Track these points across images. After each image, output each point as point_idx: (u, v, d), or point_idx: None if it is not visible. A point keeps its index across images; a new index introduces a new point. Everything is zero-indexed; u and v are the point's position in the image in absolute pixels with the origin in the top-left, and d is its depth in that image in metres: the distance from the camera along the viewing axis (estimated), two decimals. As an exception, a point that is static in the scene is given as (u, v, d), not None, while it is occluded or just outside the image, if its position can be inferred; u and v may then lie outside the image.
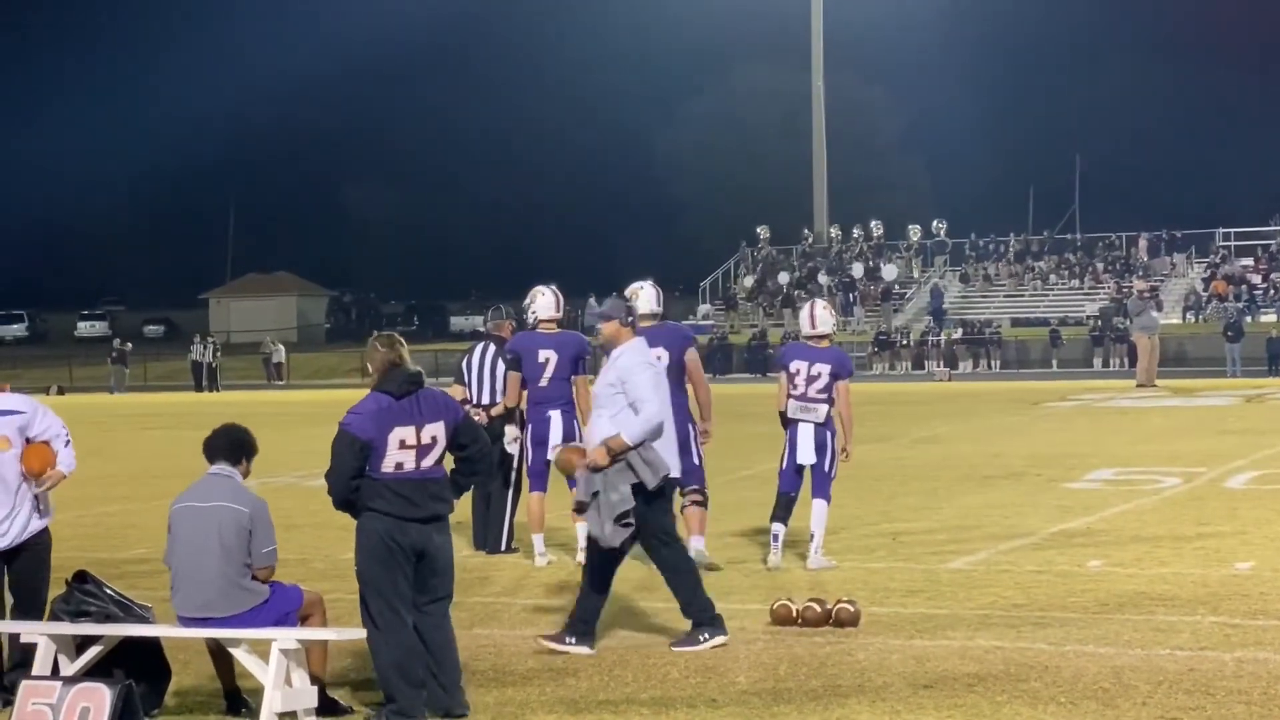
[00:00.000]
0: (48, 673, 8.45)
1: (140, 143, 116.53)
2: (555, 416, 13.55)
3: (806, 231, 76.08)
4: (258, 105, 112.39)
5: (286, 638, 8.27)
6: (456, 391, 14.29)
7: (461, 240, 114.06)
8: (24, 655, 8.78)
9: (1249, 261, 66.54)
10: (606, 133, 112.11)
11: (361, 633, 8.67)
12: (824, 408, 13.17)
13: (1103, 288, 66.55)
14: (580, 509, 10.25)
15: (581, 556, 13.59)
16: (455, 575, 8.80)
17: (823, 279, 70.59)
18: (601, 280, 74.42)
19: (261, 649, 8.36)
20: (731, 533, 14.94)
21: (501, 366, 14.54)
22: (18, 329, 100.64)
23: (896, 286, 70.12)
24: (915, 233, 73.37)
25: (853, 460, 13.62)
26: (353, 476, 8.46)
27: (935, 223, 73.70)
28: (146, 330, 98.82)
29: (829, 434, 13.18)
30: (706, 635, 10.12)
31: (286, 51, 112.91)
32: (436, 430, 8.53)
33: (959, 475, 20.16)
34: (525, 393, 13.80)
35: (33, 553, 9.13)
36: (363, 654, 9.64)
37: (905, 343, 62.63)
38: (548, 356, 13.54)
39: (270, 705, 8.16)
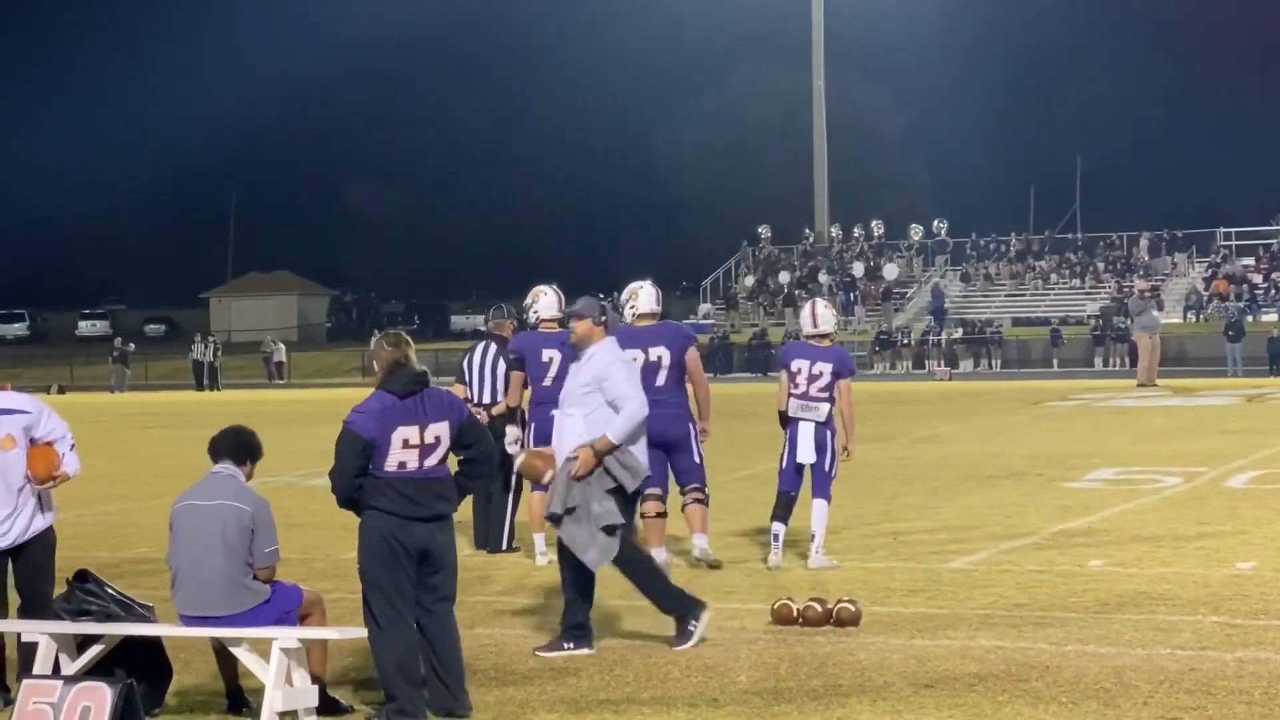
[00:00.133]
0: (49, 672, 8.45)
1: (141, 142, 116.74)
2: (558, 416, 13.53)
3: (807, 231, 76.09)
4: (259, 105, 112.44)
5: (287, 637, 8.26)
6: (458, 391, 14.29)
7: (462, 240, 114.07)
8: (28, 657, 8.77)
9: (1250, 261, 66.53)
10: (607, 132, 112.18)
11: (362, 632, 8.67)
12: (825, 407, 13.17)
13: (1103, 287, 66.55)
14: (553, 520, 10.13)
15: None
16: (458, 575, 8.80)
17: (823, 278, 70.60)
18: (602, 280, 74.59)
19: (262, 648, 8.36)
20: (732, 532, 14.94)
21: (502, 366, 14.54)
22: (19, 328, 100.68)
23: (896, 286, 70.11)
24: (916, 232, 73.38)
25: (854, 460, 13.62)
26: (355, 475, 8.46)
27: (936, 222, 73.70)
28: (147, 329, 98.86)
29: (829, 433, 13.18)
30: (694, 623, 10.10)
31: (287, 51, 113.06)
32: (441, 430, 8.52)
33: (960, 475, 20.16)
34: (527, 392, 13.81)
35: (37, 552, 9.13)
36: (363, 653, 9.64)
37: (906, 342, 62.63)
38: (551, 356, 13.54)
39: (271, 704, 8.16)
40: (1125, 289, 61.15)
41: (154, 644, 8.74)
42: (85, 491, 16.90)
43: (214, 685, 9.07)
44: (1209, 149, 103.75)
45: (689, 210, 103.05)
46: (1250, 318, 58.30)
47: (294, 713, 8.29)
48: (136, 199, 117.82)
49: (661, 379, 13.18)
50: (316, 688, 8.42)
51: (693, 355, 13.42)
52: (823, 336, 13.40)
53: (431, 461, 8.51)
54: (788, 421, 13.25)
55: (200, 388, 61.95)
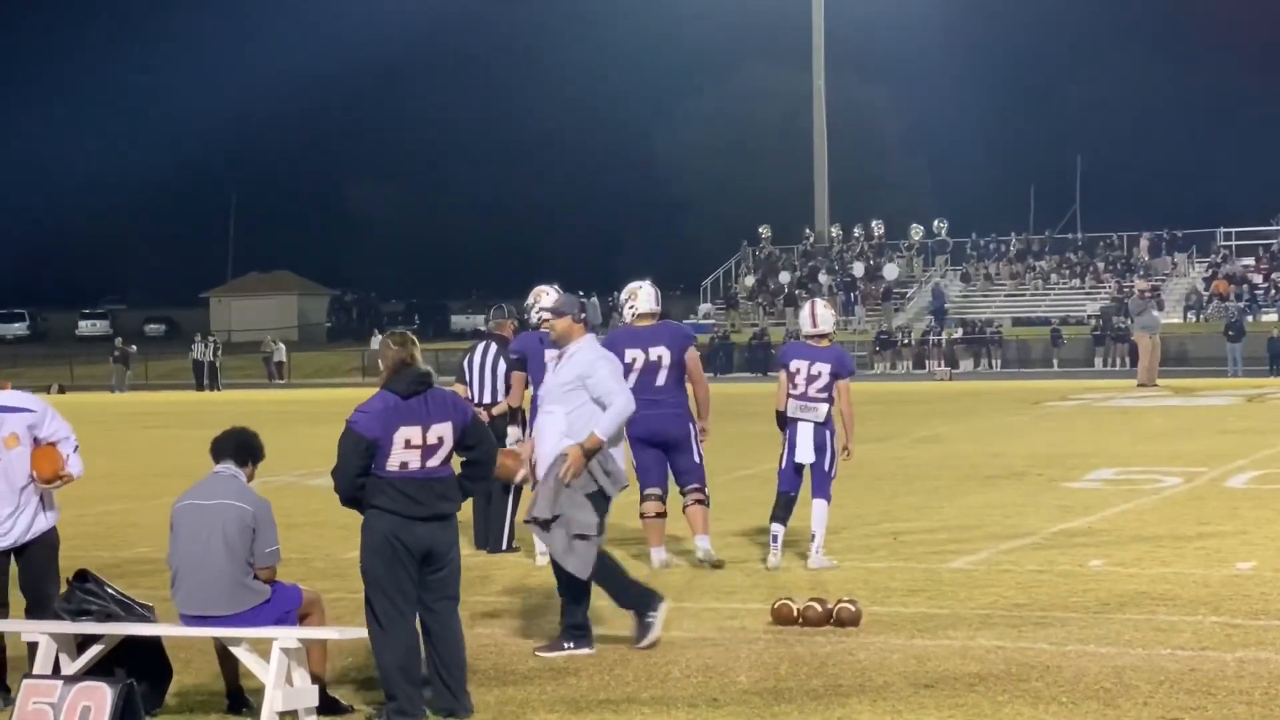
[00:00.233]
0: (49, 672, 8.45)
1: (141, 142, 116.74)
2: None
3: (807, 231, 76.08)
4: (259, 104, 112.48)
5: (287, 636, 8.26)
6: (458, 391, 14.29)
7: (462, 239, 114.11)
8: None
9: (1250, 261, 66.53)
10: (607, 132, 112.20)
11: (361, 631, 8.67)
12: (824, 407, 13.17)
13: (1104, 287, 66.55)
14: (540, 524, 10.06)
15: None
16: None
17: (824, 278, 70.61)
18: (603, 279, 74.67)
19: (262, 648, 8.36)
20: (732, 532, 14.94)
21: (503, 366, 14.55)
22: (19, 328, 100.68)
23: (896, 286, 70.11)
24: (916, 232, 73.37)
25: (854, 460, 13.62)
26: (358, 475, 8.46)
27: (936, 222, 73.71)
28: (147, 329, 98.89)
29: (828, 433, 13.18)
30: (651, 615, 10.05)
31: (287, 51, 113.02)
32: (443, 431, 8.52)
33: (960, 475, 20.15)
34: (529, 392, 13.80)
35: (41, 552, 9.12)
36: (363, 652, 9.64)
37: (906, 342, 62.63)
38: (553, 355, 13.52)
39: (271, 704, 8.15)
40: (1125, 289, 61.15)
41: (154, 644, 8.74)
42: (85, 491, 16.90)
43: (214, 685, 9.07)
44: (1209, 149, 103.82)
45: (689, 210, 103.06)
46: (1250, 318, 58.30)
47: (294, 712, 8.29)
48: (137, 199, 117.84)
49: (661, 379, 13.19)
50: (316, 687, 8.42)
51: (692, 355, 13.43)
52: (822, 336, 13.40)
53: (434, 462, 8.51)
54: (785, 422, 13.25)
55: (200, 387, 61.95)
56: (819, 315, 13.49)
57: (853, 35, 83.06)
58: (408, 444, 8.44)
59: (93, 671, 8.41)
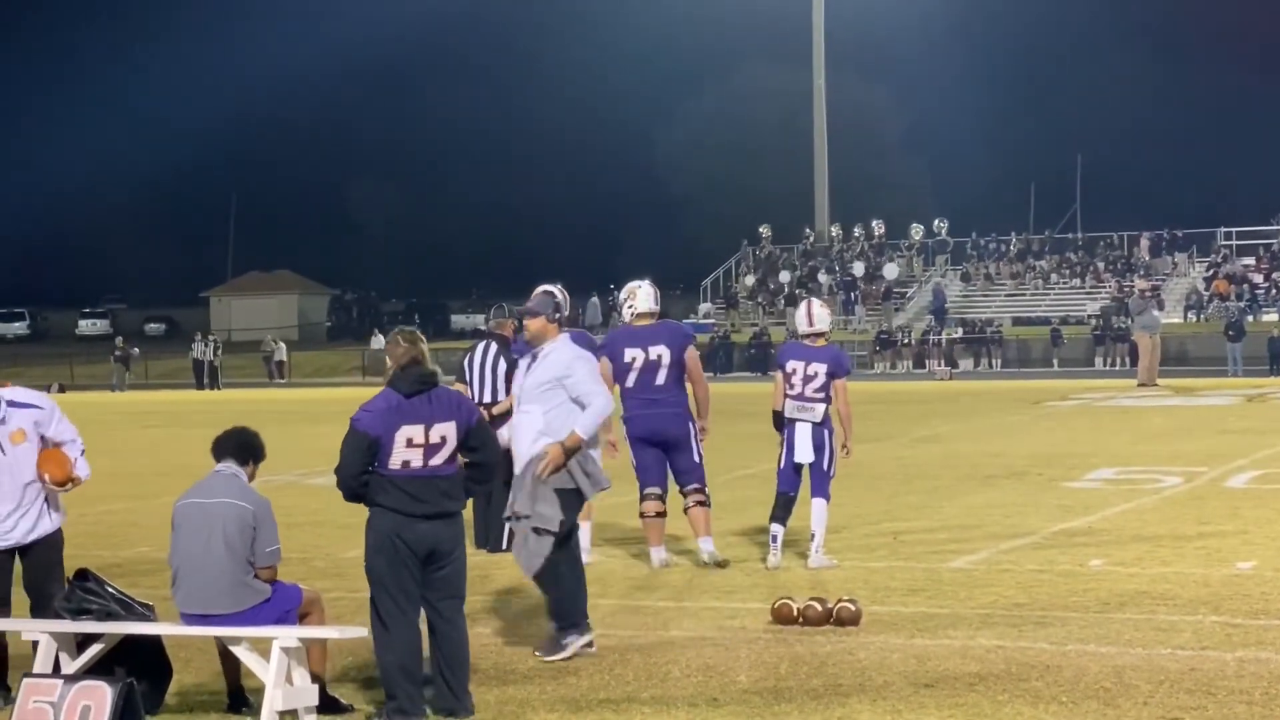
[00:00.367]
0: (49, 671, 8.45)
1: (142, 141, 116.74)
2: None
3: (808, 230, 76.06)
4: (259, 104, 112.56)
5: (287, 636, 8.26)
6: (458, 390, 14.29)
7: (462, 239, 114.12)
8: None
9: (1250, 261, 66.49)
10: (607, 131, 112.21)
11: (361, 631, 8.67)
12: (821, 407, 13.17)
13: (1104, 287, 66.52)
14: (519, 519, 9.99)
15: (585, 557, 13.61)
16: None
17: (824, 278, 70.59)
18: (603, 279, 74.69)
19: (262, 647, 8.36)
20: (732, 531, 14.94)
21: (503, 365, 14.56)
22: (19, 327, 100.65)
23: (897, 286, 70.10)
24: (917, 232, 73.35)
25: (854, 459, 13.62)
26: (360, 472, 8.47)
27: (936, 221, 73.68)
28: (148, 328, 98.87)
29: (826, 433, 13.19)
30: (571, 639, 9.87)
31: (288, 50, 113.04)
32: (446, 430, 8.51)
33: (960, 474, 20.15)
34: None
35: (46, 552, 9.13)
36: (363, 652, 9.64)
37: (907, 342, 62.63)
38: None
39: (271, 703, 8.15)
40: (1126, 289, 61.13)
41: (154, 643, 8.74)
42: (86, 490, 16.85)
43: (214, 684, 9.07)
44: (1209, 148, 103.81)
45: (689, 210, 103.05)
46: (1250, 317, 58.27)
47: (294, 712, 8.29)
48: (137, 198, 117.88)
49: (661, 378, 13.19)
50: (316, 686, 8.42)
51: (692, 354, 13.43)
52: (818, 335, 13.41)
53: (436, 461, 8.50)
54: (783, 422, 13.26)
55: (201, 387, 61.95)
56: (815, 314, 13.51)
57: (853, 35, 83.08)
58: (409, 443, 8.44)
59: (93, 671, 8.41)
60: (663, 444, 13.25)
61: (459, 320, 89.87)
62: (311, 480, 20.50)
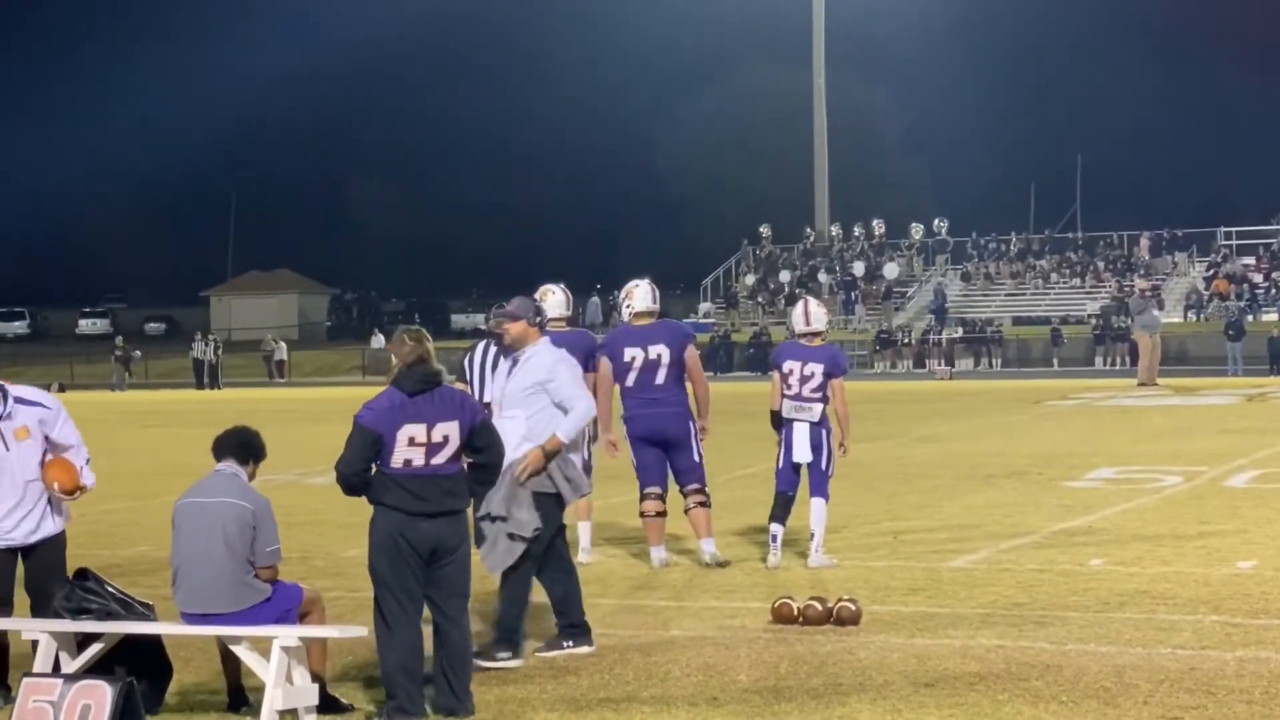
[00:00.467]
0: (49, 670, 8.44)
1: (141, 140, 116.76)
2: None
3: (808, 230, 76.05)
4: (259, 103, 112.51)
5: (288, 635, 8.26)
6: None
7: (462, 238, 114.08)
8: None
9: (1250, 260, 66.48)
10: (608, 131, 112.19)
11: (361, 630, 8.67)
12: (819, 406, 13.18)
13: (1104, 286, 66.51)
14: (491, 520, 9.88)
15: (585, 557, 13.63)
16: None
17: (824, 277, 70.60)
18: (603, 278, 74.72)
19: (262, 646, 8.35)
20: (732, 531, 14.94)
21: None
22: (19, 326, 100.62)
23: (897, 285, 70.10)
24: (917, 231, 73.34)
25: (854, 459, 13.63)
26: (361, 469, 8.46)
27: (936, 221, 73.67)
28: (148, 328, 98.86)
29: (824, 432, 13.19)
30: (502, 656, 9.75)
31: (288, 49, 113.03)
32: (450, 430, 8.51)
33: (960, 474, 20.15)
34: None
35: (49, 553, 9.12)
36: (363, 651, 9.64)
37: (907, 341, 62.63)
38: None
39: (271, 703, 8.15)
40: (1126, 288, 61.12)
41: (154, 642, 8.74)
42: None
43: (214, 683, 9.07)
44: (1210, 148, 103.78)
45: (689, 210, 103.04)
46: (1251, 317, 58.29)
47: (294, 711, 8.29)
48: (137, 198, 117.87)
49: (661, 377, 13.19)
50: (316, 686, 8.42)
51: (691, 353, 13.43)
52: (815, 334, 13.42)
53: (439, 460, 8.49)
54: (780, 422, 13.27)
55: (201, 386, 61.94)
56: (812, 313, 13.52)
57: (853, 34, 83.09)
58: (411, 441, 8.43)
59: (93, 670, 8.41)
60: (663, 443, 13.25)
61: (459, 320, 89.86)
62: (311, 479, 20.50)
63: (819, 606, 10.67)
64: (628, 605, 11.67)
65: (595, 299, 70.38)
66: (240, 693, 8.69)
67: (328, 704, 8.53)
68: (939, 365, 57.70)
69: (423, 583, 8.49)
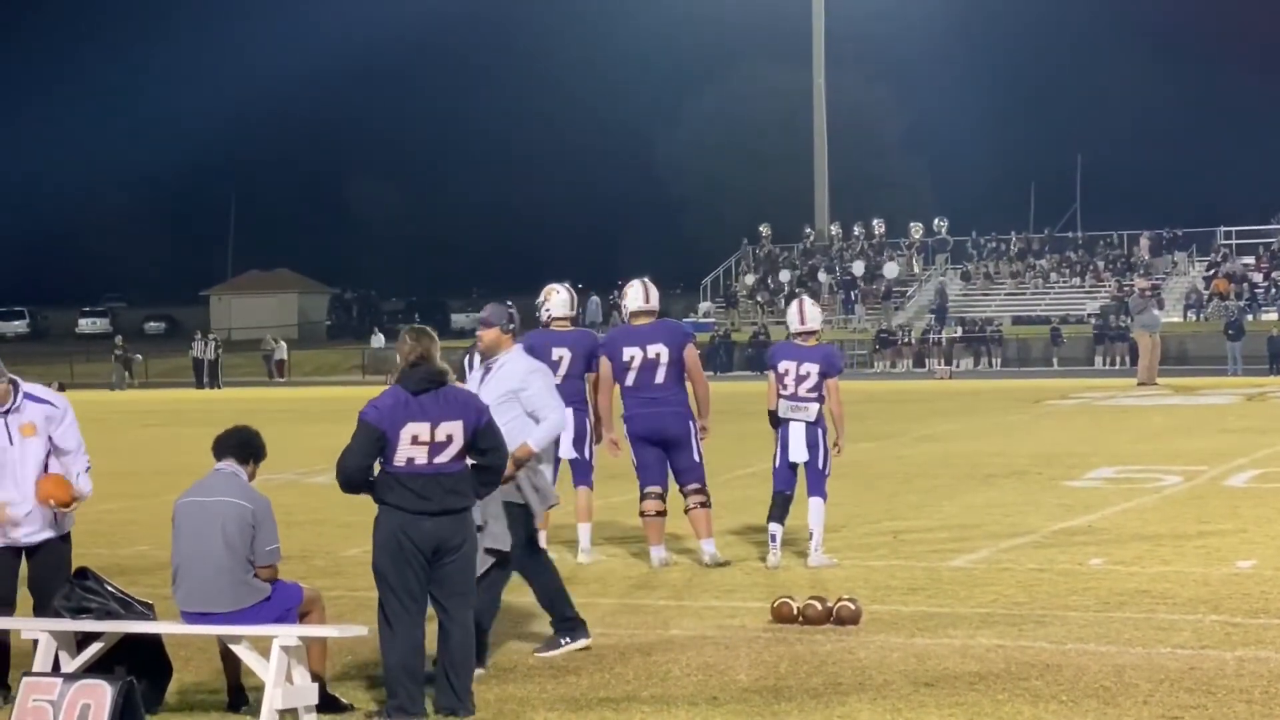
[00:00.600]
0: (48, 669, 8.44)
1: (141, 140, 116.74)
2: (568, 414, 13.54)
3: (808, 229, 76.06)
4: (259, 102, 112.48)
5: (287, 634, 8.26)
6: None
7: (462, 238, 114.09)
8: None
9: (1250, 260, 66.50)
10: (608, 131, 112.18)
11: (361, 630, 8.67)
12: (815, 406, 13.19)
13: (1104, 286, 66.52)
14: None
15: (584, 557, 13.63)
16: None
17: (823, 277, 70.62)
18: (603, 279, 74.65)
19: (262, 645, 8.35)
20: (732, 530, 14.94)
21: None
22: (19, 325, 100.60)
23: (897, 285, 70.10)
24: (917, 230, 73.35)
25: (854, 459, 13.65)
26: (363, 465, 8.46)
27: (936, 220, 73.69)
28: (147, 327, 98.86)
29: (820, 432, 13.21)
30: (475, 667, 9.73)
31: (288, 49, 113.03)
32: (453, 429, 8.50)
33: (960, 473, 20.15)
34: None
35: (52, 555, 9.11)
36: (364, 650, 9.65)
37: (907, 341, 62.64)
38: (561, 355, 13.51)
39: (271, 702, 8.15)
40: (1125, 288, 61.13)
41: (154, 641, 8.74)
42: (85, 489, 16.91)
43: (214, 683, 9.07)
44: (1210, 148, 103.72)
45: (689, 209, 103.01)
46: (1250, 316, 58.32)
47: (294, 710, 8.29)
48: (137, 196, 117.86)
49: (660, 376, 13.19)
50: (316, 685, 8.42)
51: (691, 352, 13.43)
52: (810, 333, 13.43)
53: (442, 459, 8.49)
54: (778, 421, 13.28)
55: (200, 385, 61.94)
56: (807, 313, 13.53)
57: (853, 34, 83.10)
58: (414, 440, 8.43)
59: (92, 669, 8.41)
60: (662, 443, 13.25)
61: (459, 319, 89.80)
62: (311, 479, 20.50)
63: (819, 606, 10.67)
64: (627, 605, 11.67)
65: (595, 298, 70.39)
66: (240, 692, 8.69)
67: (327, 703, 8.53)
68: (939, 365, 57.71)
69: (426, 582, 8.48)
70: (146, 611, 8.72)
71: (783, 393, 13.19)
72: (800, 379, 13.16)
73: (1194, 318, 62.17)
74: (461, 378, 14.73)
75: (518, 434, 9.84)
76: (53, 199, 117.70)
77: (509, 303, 10.67)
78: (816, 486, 13.16)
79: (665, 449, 13.28)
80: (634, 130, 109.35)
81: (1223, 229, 68.83)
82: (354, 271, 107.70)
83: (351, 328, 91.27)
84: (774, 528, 13.15)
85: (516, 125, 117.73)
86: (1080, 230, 76.99)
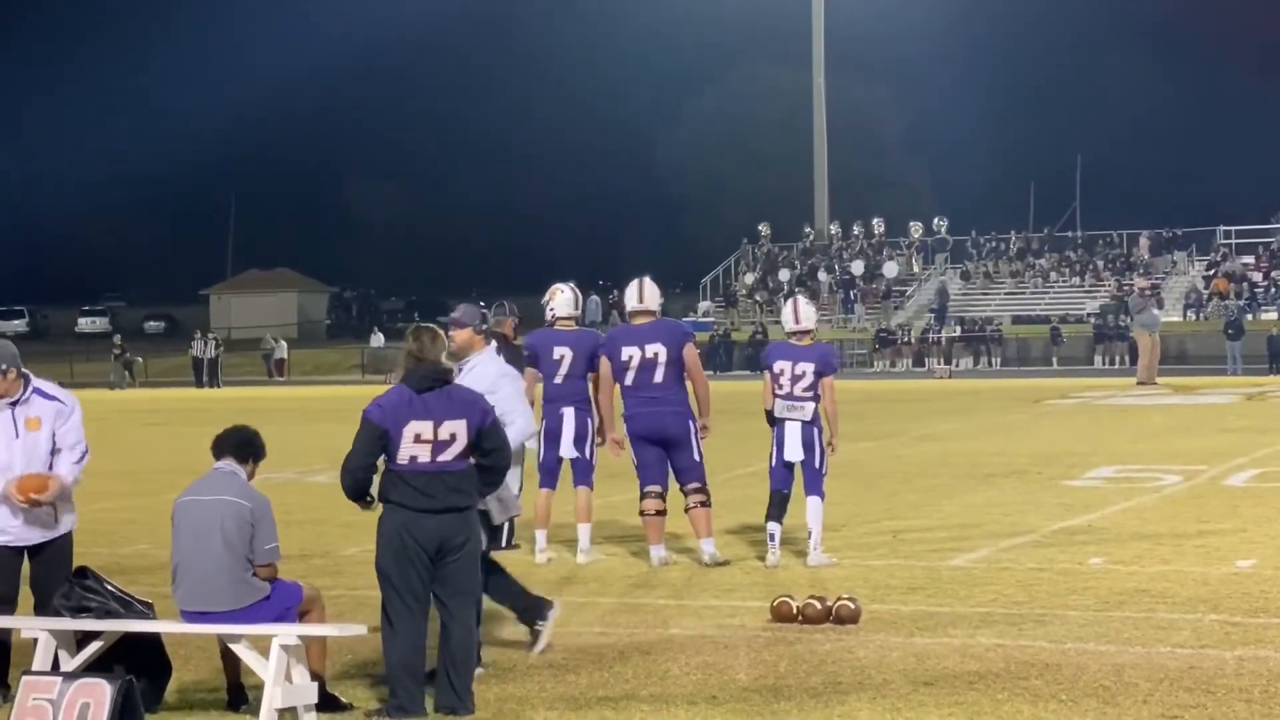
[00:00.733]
0: (48, 668, 8.44)
1: (141, 139, 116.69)
2: (569, 414, 13.57)
3: (807, 229, 76.08)
4: (258, 101, 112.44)
5: (287, 633, 8.26)
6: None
7: (462, 237, 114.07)
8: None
9: (1250, 259, 66.53)
10: (608, 130, 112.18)
11: (361, 629, 8.67)
12: (811, 405, 13.20)
13: (1103, 285, 66.54)
14: None
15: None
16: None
17: (823, 276, 70.62)
18: (603, 277, 74.67)
19: (262, 644, 8.35)
20: (731, 530, 14.94)
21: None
22: (18, 324, 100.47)
23: (896, 284, 70.10)
24: (916, 230, 73.36)
25: (854, 458, 13.67)
26: (365, 463, 8.46)
27: (936, 220, 73.70)
28: (147, 326, 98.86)
29: (816, 431, 13.22)
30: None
31: (287, 48, 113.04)
32: (457, 427, 8.50)
33: (960, 473, 20.15)
34: (539, 386, 13.80)
35: (54, 555, 9.11)
36: (363, 650, 9.65)
37: (906, 340, 62.65)
38: (563, 354, 13.54)
39: (270, 701, 8.15)
40: (1125, 287, 61.14)
41: (153, 640, 8.74)
42: (84, 488, 16.86)
43: (214, 681, 9.07)
44: (1209, 147, 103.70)
45: (689, 209, 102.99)
46: (1250, 316, 58.33)
47: (293, 709, 8.29)
48: (136, 196, 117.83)
49: (659, 376, 13.20)
50: (316, 684, 8.42)
51: (691, 352, 13.43)
52: (805, 333, 13.44)
53: (445, 457, 8.48)
54: (775, 421, 13.29)
55: (200, 385, 61.94)
56: (801, 312, 13.54)
57: (853, 33, 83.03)
58: (417, 438, 8.43)
59: (92, 668, 8.41)
60: (662, 442, 13.25)
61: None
62: (311, 478, 20.50)
63: (818, 605, 10.67)
64: (627, 604, 11.67)
65: (595, 298, 70.40)
66: (240, 691, 8.69)
67: (327, 702, 8.53)
68: (938, 364, 57.71)
69: (429, 581, 8.48)
70: (146, 610, 8.72)
71: (778, 392, 13.20)
72: (796, 378, 13.16)
73: (1194, 317, 62.19)
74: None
75: None
76: (53, 199, 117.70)
77: (482, 303, 10.66)
78: (814, 486, 13.17)
79: (665, 448, 13.28)
80: (634, 130, 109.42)
81: (1222, 228, 68.85)
82: (354, 271, 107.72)
83: (351, 327, 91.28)
84: (772, 527, 13.15)
85: (516, 125, 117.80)
86: (1080, 230, 77.01)
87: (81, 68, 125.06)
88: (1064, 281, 69.20)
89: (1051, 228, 76.84)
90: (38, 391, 9.13)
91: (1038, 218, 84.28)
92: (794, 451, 13.15)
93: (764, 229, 75.83)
